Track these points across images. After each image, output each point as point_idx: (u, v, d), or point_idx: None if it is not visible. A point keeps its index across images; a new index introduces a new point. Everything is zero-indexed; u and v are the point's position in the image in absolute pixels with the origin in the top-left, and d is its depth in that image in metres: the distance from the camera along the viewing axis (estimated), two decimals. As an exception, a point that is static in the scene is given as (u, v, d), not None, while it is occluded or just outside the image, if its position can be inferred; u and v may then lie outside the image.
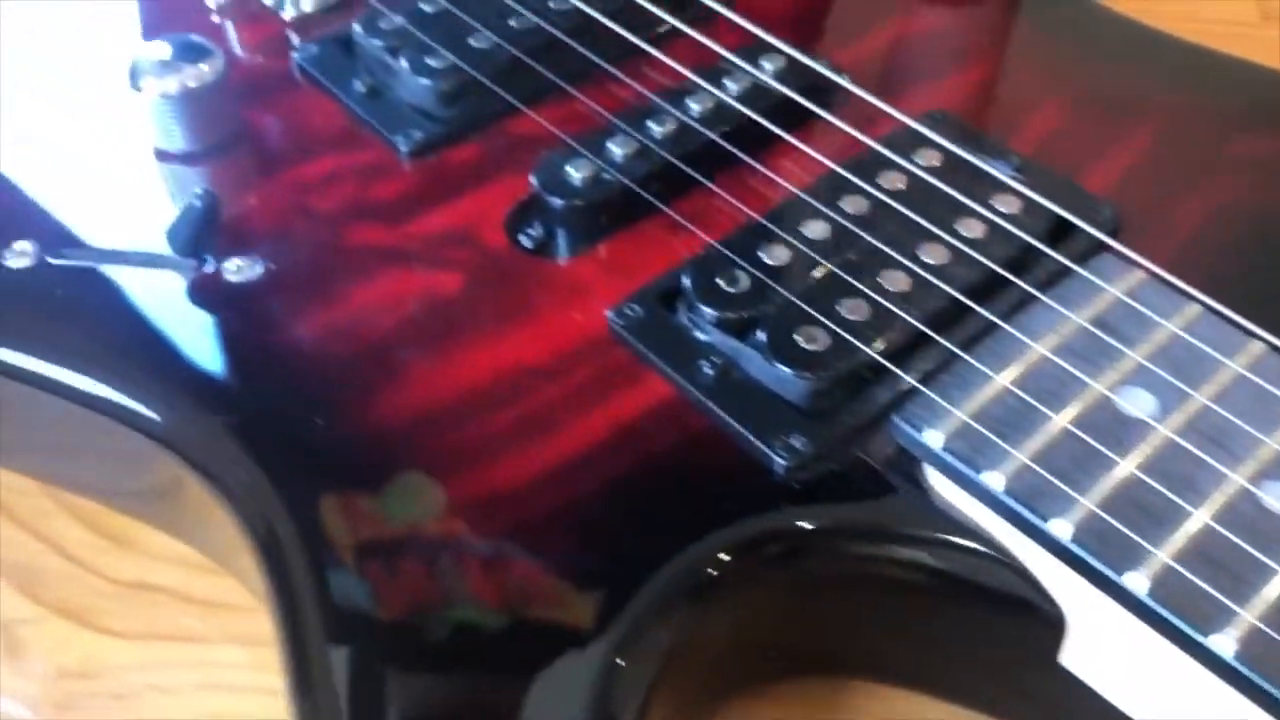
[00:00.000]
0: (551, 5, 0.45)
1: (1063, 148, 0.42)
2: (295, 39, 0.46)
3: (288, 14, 0.47)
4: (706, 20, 0.46)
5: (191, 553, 0.40)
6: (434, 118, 0.42)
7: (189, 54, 0.41)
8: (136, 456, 0.36)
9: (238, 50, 0.46)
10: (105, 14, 0.47)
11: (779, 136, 0.41)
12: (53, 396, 0.37)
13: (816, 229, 0.37)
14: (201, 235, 0.37)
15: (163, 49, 0.41)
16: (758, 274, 0.36)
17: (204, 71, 0.40)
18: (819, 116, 0.42)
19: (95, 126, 0.43)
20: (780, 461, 0.32)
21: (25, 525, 0.41)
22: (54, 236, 0.39)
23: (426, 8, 0.45)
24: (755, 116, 0.41)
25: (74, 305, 0.38)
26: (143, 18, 0.48)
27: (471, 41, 0.43)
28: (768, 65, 0.43)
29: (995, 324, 0.34)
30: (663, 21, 0.45)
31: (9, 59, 0.45)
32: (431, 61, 0.43)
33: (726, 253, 0.36)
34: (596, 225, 0.39)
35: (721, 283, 0.35)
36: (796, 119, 0.42)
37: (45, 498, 0.42)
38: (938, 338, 0.34)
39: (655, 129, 0.40)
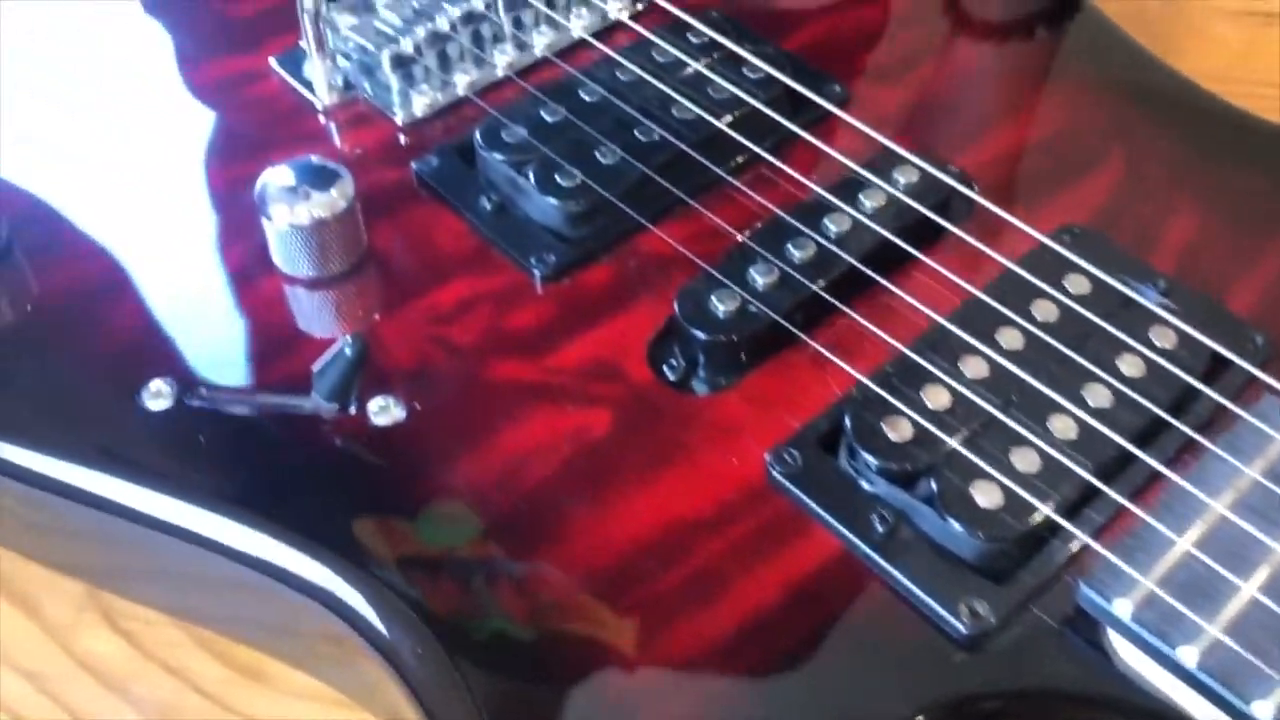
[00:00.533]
0: (674, 113, 0.44)
1: (1204, 263, 0.41)
2: (406, 138, 0.46)
3: (398, 116, 0.46)
4: (823, 123, 0.45)
5: (325, 688, 0.40)
6: (564, 237, 0.42)
7: (316, 179, 0.40)
8: (287, 611, 0.36)
9: (351, 157, 0.45)
10: (218, 128, 0.47)
11: (914, 256, 0.41)
12: (193, 547, 0.36)
13: (975, 367, 0.36)
14: (350, 384, 0.36)
15: (286, 174, 0.40)
16: (920, 420, 0.35)
17: (335, 199, 0.40)
18: (953, 233, 0.41)
19: (223, 253, 0.42)
20: (962, 628, 0.32)
21: (157, 658, 0.41)
22: (191, 373, 0.38)
23: (548, 117, 0.44)
24: (893, 237, 0.40)
25: (216, 450, 0.37)
26: (248, 119, 0.47)
27: (598, 156, 0.43)
28: (900, 178, 0.42)
29: (1167, 476, 0.34)
30: (783, 128, 0.44)
31: (136, 193, 0.44)
32: (560, 180, 0.42)
33: (885, 395, 0.36)
34: (741, 358, 0.38)
35: (884, 428, 0.35)
36: (931, 236, 0.41)
37: (173, 628, 0.42)
38: (1111, 492, 0.34)
39: (795, 253, 0.40)
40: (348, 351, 0.36)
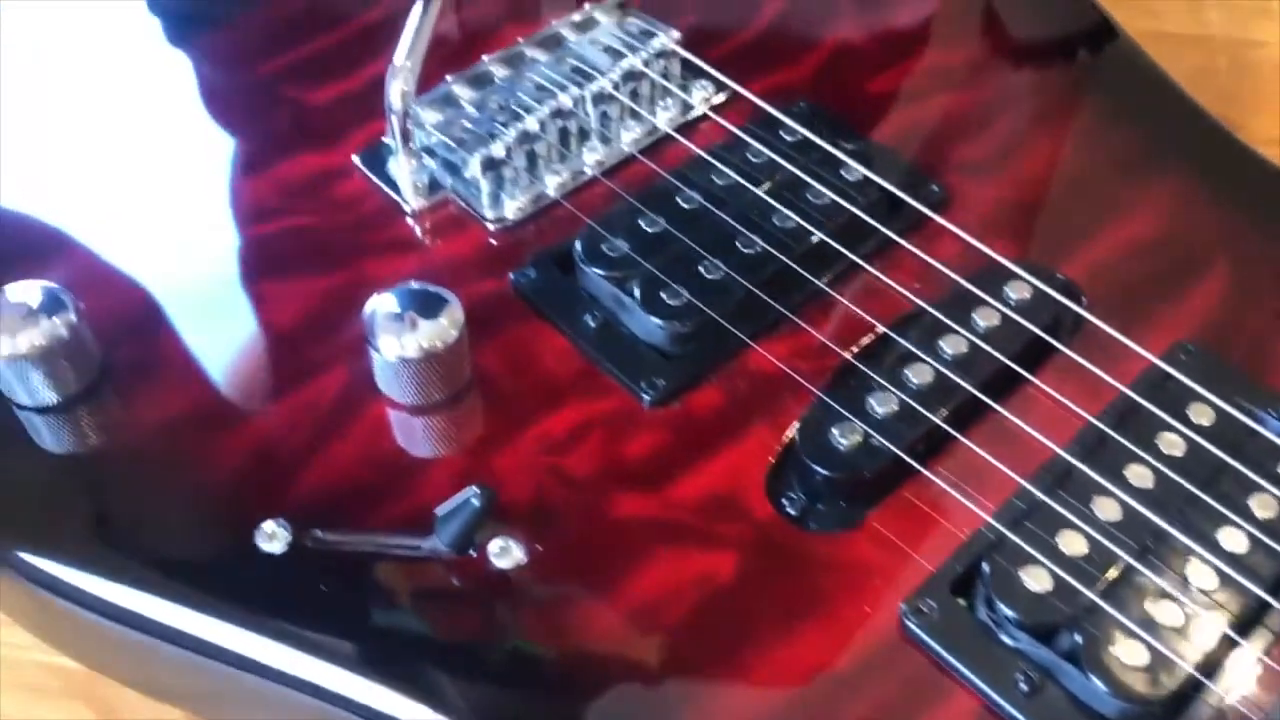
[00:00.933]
0: (775, 221, 0.44)
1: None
2: (499, 244, 0.45)
3: (489, 221, 0.45)
4: (924, 227, 0.45)
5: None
6: (668, 355, 0.41)
7: (423, 306, 0.39)
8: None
9: (445, 266, 0.44)
10: (308, 237, 0.46)
11: (1029, 380, 0.40)
12: (303, 695, 0.36)
13: (1108, 509, 0.36)
14: (474, 533, 0.36)
15: (391, 302, 0.40)
16: (1058, 569, 0.35)
17: (445, 329, 0.39)
18: (1066, 354, 0.41)
19: (326, 377, 0.41)
20: (1114, 796, 0.32)
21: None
22: (303, 512, 0.38)
23: (647, 228, 0.43)
24: (1010, 363, 0.40)
25: (333, 594, 0.36)
26: (337, 223, 0.46)
27: (702, 271, 0.42)
28: (1011, 294, 0.41)
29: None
30: (882, 235, 0.44)
31: (230, 312, 0.43)
32: (666, 298, 0.41)
33: (1020, 542, 0.35)
34: (864, 494, 0.38)
35: (1023, 579, 0.35)
36: (1043, 355, 0.41)
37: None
38: (1246, 645, 0.34)
39: (913, 379, 0.39)
40: (475, 503, 0.35)
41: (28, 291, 0.40)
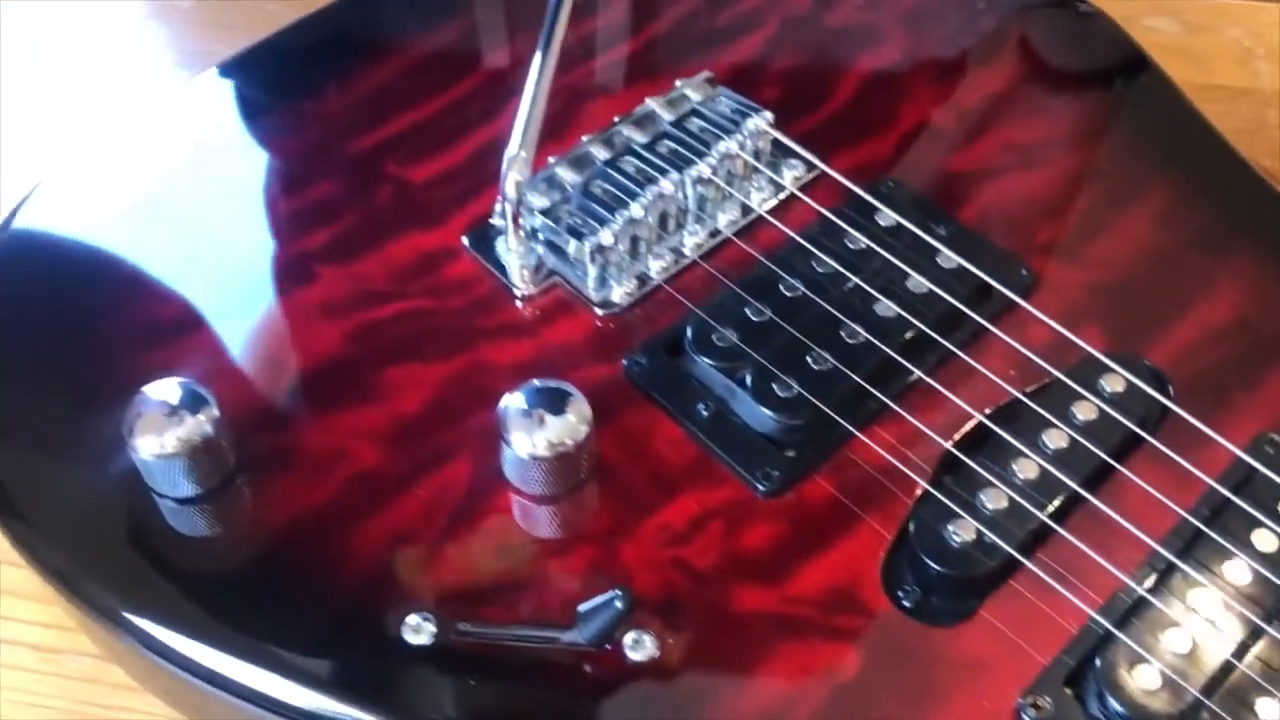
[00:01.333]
0: (876, 311, 0.46)
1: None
2: (607, 329, 0.47)
3: (598, 306, 0.47)
4: (1015, 311, 0.47)
5: None
6: (781, 445, 0.43)
7: (551, 404, 0.41)
8: None
9: (558, 352, 0.46)
10: (423, 322, 0.47)
11: (1122, 472, 0.42)
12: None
13: (1208, 606, 0.38)
14: (614, 631, 0.38)
15: (519, 399, 0.41)
16: (1166, 669, 0.37)
17: (575, 426, 0.41)
18: (1153, 444, 0.43)
19: (453, 466, 0.43)
20: None
21: None
22: (448, 606, 0.40)
23: (753, 317, 0.45)
24: (1106, 457, 0.42)
25: (475, 685, 0.38)
26: (450, 307, 0.47)
27: (810, 363, 0.44)
28: (1105, 386, 0.44)
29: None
30: (976, 323, 0.46)
31: (356, 406, 0.45)
32: (777, 389, 0.43)
33: (1129, 641, 0.38)
34: (977, 588, 0.40)
35: (1134, 679, 0.37)
36: (1133, 447, 0.43)
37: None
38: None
39: (1019, 475, 0.41)
40: (618, 605, 0.37)
41: (168, 389, 0.41)
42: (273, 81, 0.55)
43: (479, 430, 0.43)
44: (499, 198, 0.48)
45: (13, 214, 0.50)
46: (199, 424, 0.41)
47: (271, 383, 0.45)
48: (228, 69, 0.56)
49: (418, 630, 0.39)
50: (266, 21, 0.57)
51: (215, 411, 0.41)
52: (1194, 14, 0.72)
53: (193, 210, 0.50)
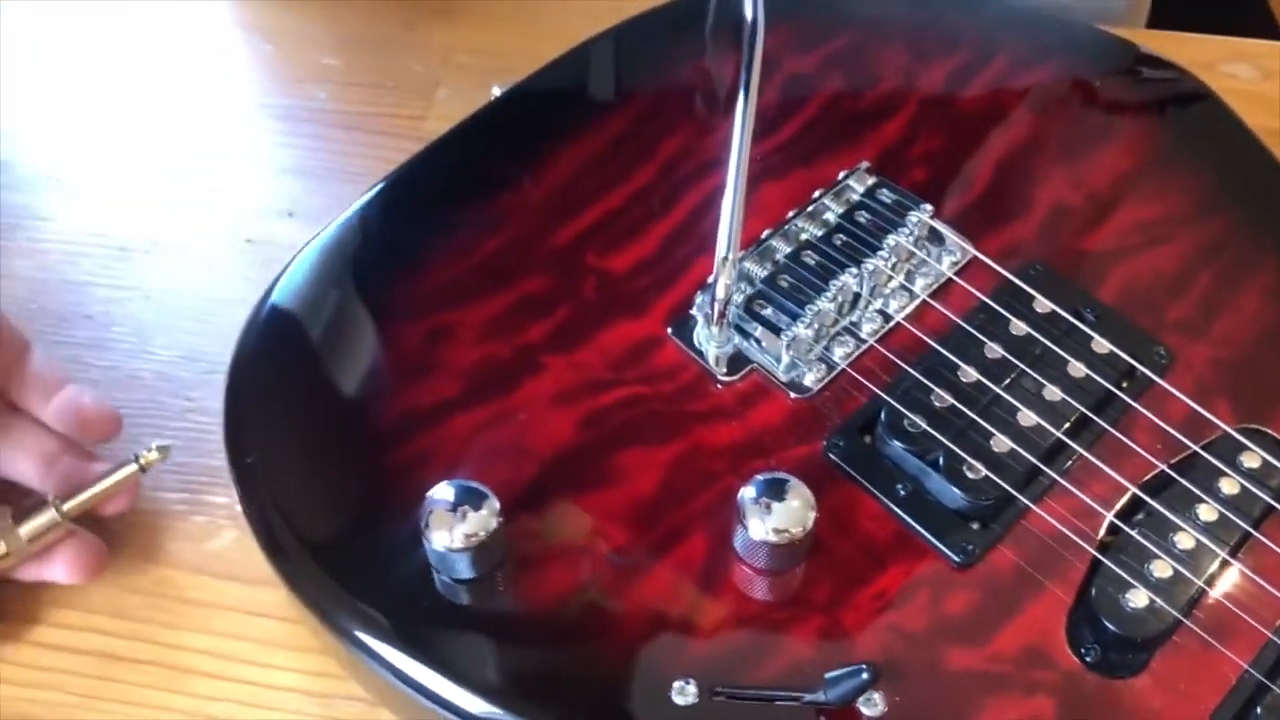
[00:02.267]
0: (1045, 396, 0.52)
1: None
2: (802, 412, 0.53)
3: (791, 392, 0.54)
4: (1153, 389, 0.53)
5: None
6: (968, 518, 0.50)
7: (775, 493, 0.48)
8: None
9: (760, 435, 0.53)
10: (637, 410, 0.54)
11: (1258, 538, 0.50)
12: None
13: (1347, 663, 0.46)
14: (858, 696, 0.45)
15: (751, 490, 0.48)
16: (1315, 716, 0.45)
17: (803, 514, 0.48)
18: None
19: (687, 544, 0.50)
20: None
21: None
22: (703, 670, 0.47)
23: (937, 404, 0.52)
24: (1248, 528, 0.49)
25: (738, 738, 0.46)
26: (659, 392, 0.54)
27: (993, 447, 0.51)
28: (1244, 463, 0.51)
29: None
30: (1124, 402, 0.53)
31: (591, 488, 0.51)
32: (967, 472, 0.50)
33: (1277, 690, 0.45)
34: (1148, 645, 0.47)
35: (1288, 726, 0.45)
36: (1267, 515, 0.50)
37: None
38: None
39: (1178, 546, 0.49)
40: (866, 676, 0.45)
41: (449, 490, 0.48)
42: (469, 174, 0.61)
43: (705, 510, 0.50)
44: (699, 291, 0.55)
45: (271, 287, 0.56)
46: (484, 520, 0.47)
47: (519, 469, 0.52)
48: (433, 153, 0.62)
49: (682, 692, 0.46)
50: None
51: (497, 505, 0.48)
52: (1271, 60, 0.78)
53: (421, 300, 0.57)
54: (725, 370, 0.55)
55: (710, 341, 0.55)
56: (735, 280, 0.53)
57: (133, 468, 0.55)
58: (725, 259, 0.53)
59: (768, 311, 0.54)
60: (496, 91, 0.65)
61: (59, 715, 0.55)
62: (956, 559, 0.49)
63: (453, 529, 0.47)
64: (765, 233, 0.57)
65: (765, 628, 0.48)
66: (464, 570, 0.48)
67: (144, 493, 0.61)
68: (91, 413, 0.57)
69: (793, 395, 0.54)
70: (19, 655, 0.57)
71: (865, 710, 0.46)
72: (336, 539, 0.51)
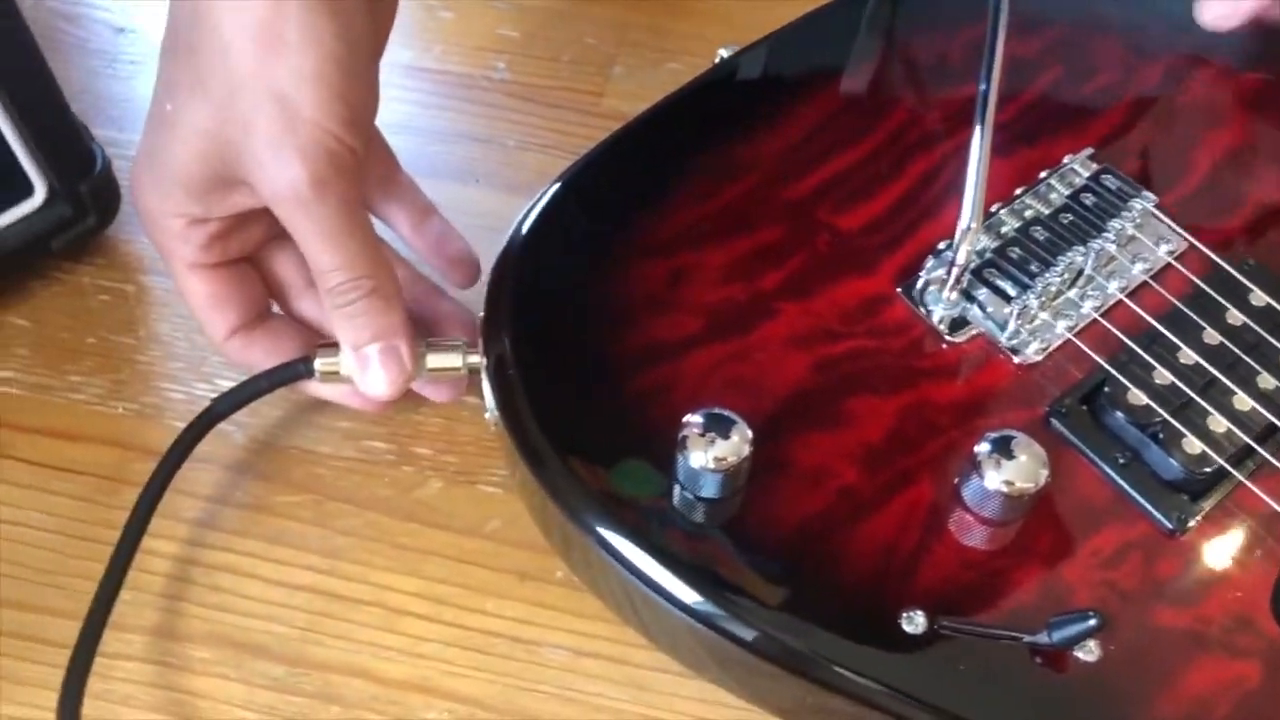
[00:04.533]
0: (1258, 384, 0.55)
1: None
2: (1024, 379, 0.56)
3: (1015, 358, 0.57)
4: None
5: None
6: (1181, 490, 0.53)
7: (1006, 450, 0.51)
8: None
9: (982, 396, 0.56)
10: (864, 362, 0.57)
11: None
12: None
13: None
14: (1081, 640, 0.48)
15: (985, 446, 0.51)
16: None
17: (1037, 470, 0.51)
18: None
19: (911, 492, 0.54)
20: None
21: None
22: (928, 602, 0.50)
23: (1158, 381, 0.55)
24: None
25: (961, 670, 0.49)
26: (885, 347, 0.57)
27: (1210, 425, 0.54)
28: None
29: None
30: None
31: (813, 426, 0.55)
32: (1185, 446, 0.53)
33: None
34: (1350, 621, 0.50)
35: None
36: None
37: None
38: None
39: (1382, 533, 0.52)
40: (1093, 622, 0.48)
41: (703, 416, 0.51)
42: (707, 124, 0.64)
43: (931, 459, 0.54)
44: (930, 256, 0.58)
45: (524, 215, 0.60)
46: (738, 445, 0.51)
47: (758, 403, 0.55)
48: (675, 103, 0.65)
49: (911, 621, 0.50)
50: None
51: (749, 433, 0.51)
52: None
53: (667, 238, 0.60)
54: (949, 331, 0.58)
55: (938, 304, 0.58)
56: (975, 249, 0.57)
57: (477, 357, 0.58)
58: (969, 227, 0.56)
59: (998, 280, 0.58)
60: (724, 53, 0.68)
61: (285, 648, 0.59)
62: (1169, 526, 0.52)
63: (707, 450, 0.51)
64: (994, 206, 0.60)
65: (988, 572, 0.52)
66: (711, 489, 0.52)
67: (354, 440, 0.65)
68: (458, 247, 0.59)
69: (1016, 360, 0.57)
70: (246, 588, 0.61)
71: (1080, 655, 0.49)
72: (584, 446, 0.54)
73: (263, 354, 0.60)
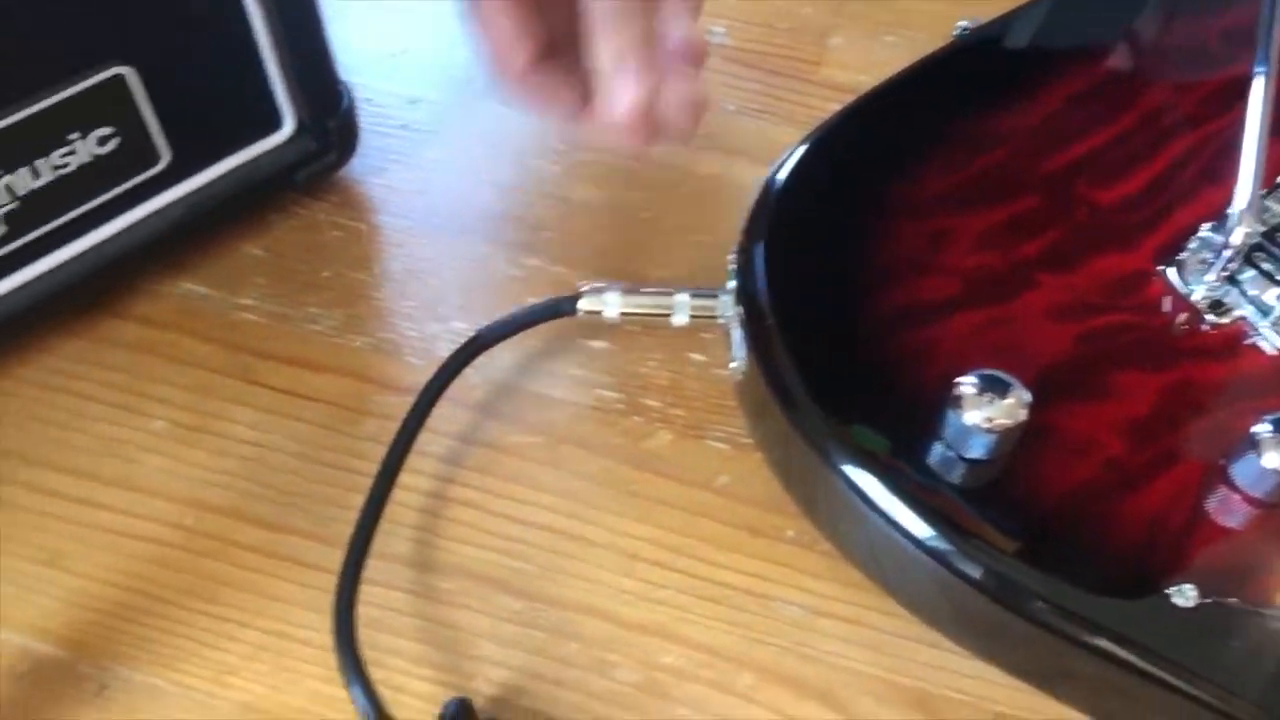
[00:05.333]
0: None
1: None
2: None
3: (1267, 339, 0.56)
4: None
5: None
6: None
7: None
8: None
9: (1249, 381, 0.56)
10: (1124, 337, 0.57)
11: None
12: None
13: None
14: None
15: (1266, 426, 0.51)
16: None
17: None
18: None
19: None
20: None
21: None
22: (1199, 577, 0.50)
23: None
24: None
25: (1231, 645, 0.49)
26: (1143, 322, 0.57)
27: None
28: None
29: None
30: None
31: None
32: None
33: None
34: None
35: None
36: None
37: None
38: None
39: None
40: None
41: (979, 377, 0.52)
42: (963, 91, 0.65)
43: (1198, 437, 0.53)
44: (1193, 236, 0.58)
45: (778, 168, 0.61)
46: (1013, 408, 0.51)
47: (1021, 370, 0.55)
48: (927, 68, 0.65)
49: (1181, 594, 0.50)
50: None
51: (1027, 395, 0.51)
52: None
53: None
54: (1209, 311, 0.57)
55: (1199, 284, 0.58)
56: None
57: None
58: (1246, 210, 0.55)
59: (1267, 265, 0.57)
60: (964, 24, 0.68)
61: (525, 583, 0.60)
62: None
63: (983, 409, 0.51)
64: (1261, 191, 0.60)
65: (1258, 552, 0.51)
66: (980, 450, 0.52)
67: (586, 388, 0.66)
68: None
69: (1274, 351, 0.56)
70: (487, 523, 0.62)
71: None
72: (841, 398, 0.54)
73: (553, 89, 0.58)
